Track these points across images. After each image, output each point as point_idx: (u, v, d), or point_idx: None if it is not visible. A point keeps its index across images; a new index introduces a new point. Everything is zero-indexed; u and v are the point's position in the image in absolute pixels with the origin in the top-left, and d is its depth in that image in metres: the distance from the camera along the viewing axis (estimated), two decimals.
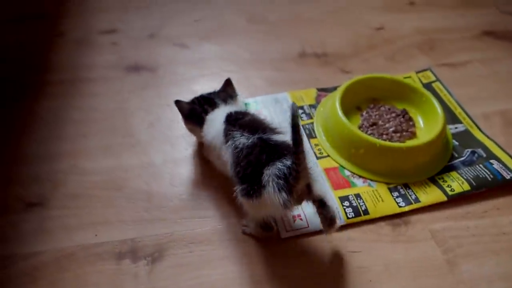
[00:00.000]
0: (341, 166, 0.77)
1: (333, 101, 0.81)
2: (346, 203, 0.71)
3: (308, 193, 0.59)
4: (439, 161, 0.78)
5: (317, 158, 0.79)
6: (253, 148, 0.59)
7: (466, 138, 0.82)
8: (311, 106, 0.89)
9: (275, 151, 0.58)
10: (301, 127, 0.52)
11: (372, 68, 0.98)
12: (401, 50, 1.04)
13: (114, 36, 1.07)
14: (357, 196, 0.72)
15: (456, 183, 0.74)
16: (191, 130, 0.76)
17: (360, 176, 0.76)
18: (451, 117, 0.86)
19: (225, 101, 0.72)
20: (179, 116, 0.76)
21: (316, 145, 0.81)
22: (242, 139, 0.61)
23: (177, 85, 0.94)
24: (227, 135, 0.63)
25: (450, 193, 0.72)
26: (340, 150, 0.79)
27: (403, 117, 0.83)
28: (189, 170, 0.77)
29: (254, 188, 0.57)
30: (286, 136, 0.59)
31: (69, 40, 1.06)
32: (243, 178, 0.59)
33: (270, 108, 0.88)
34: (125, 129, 0.84)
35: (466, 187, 0.73)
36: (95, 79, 0.95)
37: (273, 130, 0.62)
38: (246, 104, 0.88)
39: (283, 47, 1.04)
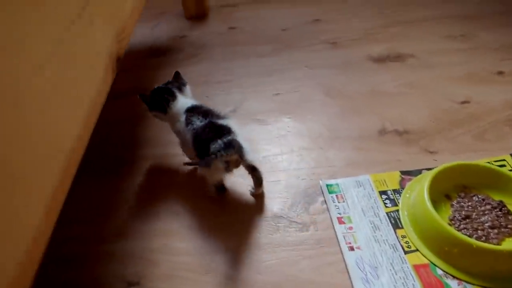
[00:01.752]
0: (432, 263, 0.74)
1: (421, 191, 0.78)
2: None
3: (241, 160, 0.81)
4: None
5: (405, 252, 0.76)
6: (205, 128, 0.82)
7: None
8: (395, 191, 0.86)
9: (219, 130, 0.81)
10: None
11: (459, 148, 0.94)
12: (491, 128, 0.98)
13: None
14: None
15: None
16: (156, 117, 0.94)
17: (454, 277, 0.71)
18: None
19: (179, 89, 0.92)
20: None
21: (403, 236, 0.79)
22: (198, 122, 0.84)
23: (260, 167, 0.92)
24: (188, 120, 0.85)
25: None
26: (430, 245, 0.75)
27: (500, 210, 0.78)
28: (275, 257, 0.78)
29: (206, 158, 0.78)
30: (228, 121, 0.84)
31: None
32: (199, 151, 0.81)
33: (353, 191, 0.87)
34: (214, 208, 0.88)
35: None
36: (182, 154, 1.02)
37: (219, 116, 0.85)
38: (327, 185, 0.89)
39: (361, 124, 1.04)
